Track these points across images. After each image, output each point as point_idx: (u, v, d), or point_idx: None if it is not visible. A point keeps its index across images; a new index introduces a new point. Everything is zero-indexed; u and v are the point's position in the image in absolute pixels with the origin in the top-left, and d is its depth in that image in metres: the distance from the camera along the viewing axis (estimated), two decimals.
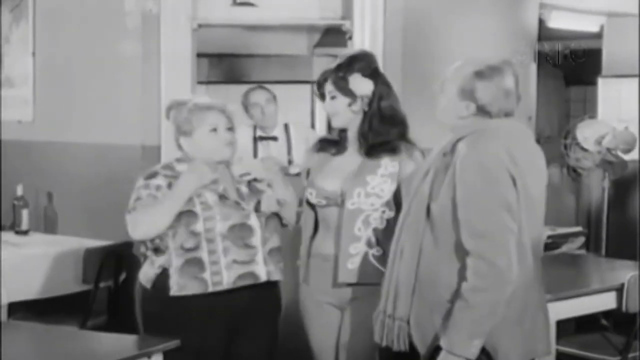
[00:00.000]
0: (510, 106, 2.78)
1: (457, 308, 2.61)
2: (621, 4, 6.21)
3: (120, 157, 4.99)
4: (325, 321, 3.24)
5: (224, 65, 7.36)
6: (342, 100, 3.18)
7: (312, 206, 3.26)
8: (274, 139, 5.26)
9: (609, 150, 5.83)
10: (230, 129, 3.18)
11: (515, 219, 2.62)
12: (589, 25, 6.60)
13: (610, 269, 4.80)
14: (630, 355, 4.15)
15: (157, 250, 3.15)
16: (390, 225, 3.11)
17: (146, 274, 3.18)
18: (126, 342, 3.00)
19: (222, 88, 6.91)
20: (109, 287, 4.66)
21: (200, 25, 5.00)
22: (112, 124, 5.05)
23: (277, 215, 3.25)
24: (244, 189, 3.22)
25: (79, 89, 5.21)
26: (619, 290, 4.11)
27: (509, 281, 2.60)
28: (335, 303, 3.20)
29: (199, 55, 5.18)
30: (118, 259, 4.63)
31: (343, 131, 3.25)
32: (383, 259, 3.05)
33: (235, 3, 5.04)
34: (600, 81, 6.53)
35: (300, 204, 3.30)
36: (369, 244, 3.14)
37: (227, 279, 3.09)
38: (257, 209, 3.19)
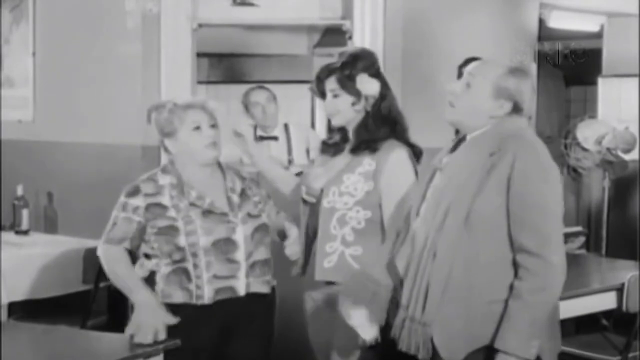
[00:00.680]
0: (534, 107, 2.78)
1: (515, 309, 2.58)
2: (621, 4, 6.21)
3: (120, 157, 5.00)
4: (319, 319, 3.24)
5: (224, 65, 7.36)
6: (346, 99, 3.15)
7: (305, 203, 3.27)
8: (275, 138, 5.26)
9: (609, 150, 5.83)
10: (214, 126, 3.11)
11: None
12: (589, 25, 6.60)
13: (610, 268, 4.81)
14: (631, 355, 4.15)
15: (147, 255, 3.14)
16: (371, 225, 3.11)
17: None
18: (126, 341, 2.99)
19: (222, 88, 6.92)
20: (109, 287, 4.65)
21: (200, 25, 5.00)
22: (113, 124, 5.05)
23: (266, 226, 3.18)
24: (236, 198, 3.14)
25: (79, 89, 5.21)
26: (619, 290, 4.11)
27: (562, 280, 2.61)
28: (327, 302, 3.18)
29: (199, 55, 5.18)
30: None
31: (343, 130, 3.23)
32: (361, 258, 3.07)
33: (235, 3, 5.04)
34: (601, 81, 6.53)
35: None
36: (344, 243, 3.13)
37: (207, 293, 3.04)
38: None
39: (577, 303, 3.97)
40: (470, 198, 2.63)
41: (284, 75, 6.73)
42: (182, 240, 3.03)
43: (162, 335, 2.91)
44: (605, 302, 4.13)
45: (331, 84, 3.16)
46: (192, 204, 3.07)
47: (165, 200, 3.08)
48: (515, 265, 2.63)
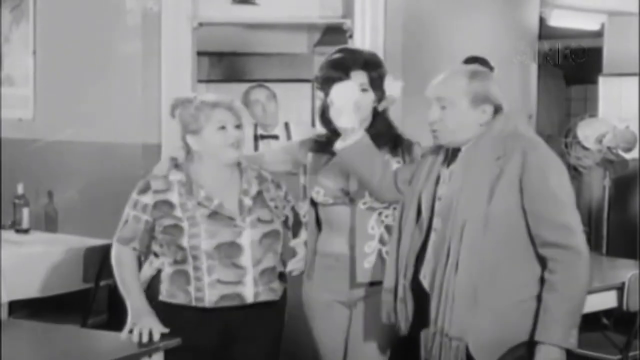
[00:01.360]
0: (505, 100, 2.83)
1: (552, 301, 2.61)
2: (622, 3, 6.21)
3: (120, 155, 4.99)
4: (334, 320, 3.21)
5: (224, 63, 7.36)
6: (371, 97, 3.12)
7: (313, 204, 3.23)
8: (275, 137, 5.26)
9: (609, 149, 5.83)
10: (239, 126, 3.09)
11: None
12: (590, 23, 6.60)
13: (611, 267, 4.80)
14: (631, 353, 4.16)
15: (156, 254, 3.14)
16: None
17: (144, 274, 3.18)
18: (127, 340, 2.99)
19: (223, 87, 6.91)
20: (110, 285, 4.66)
21: (200, 24, 4.99)
22: (113, 123, 5.05)
23: (277, 232, 3.14)
24: (248, 201, 3.10)
25: (80, 87, 5.20)
26: (620, 289, 4.12)
27: (589, 266, 2.66)
28: (345, 301, 3.18)
29: (200, 53, 5.18)
30: None
31: (336, 131, 3.18)
32: None
33: (235, 1, 5.04)
34: (601, 80, 6.53)
35: None
36: (381, 242, 3.13)
37: (208, 297, 3.02)
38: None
39: None
40: (484, 206, 2.66)
41: (284, 74, 6.73)
42: (184, 242, 3.02)
43: (157, 336, 2.92)
44: (606, 301, 4.14)
45: (361, 77, 3.10)
46: (199, 204, 3.04)
47: (174, 197, 3.06)
48: (541, 259, 2.67)
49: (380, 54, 4.71)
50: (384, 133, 3.14)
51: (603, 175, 6.01)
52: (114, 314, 4.63)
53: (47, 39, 5.38)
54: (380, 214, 3.12)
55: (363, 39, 4.86)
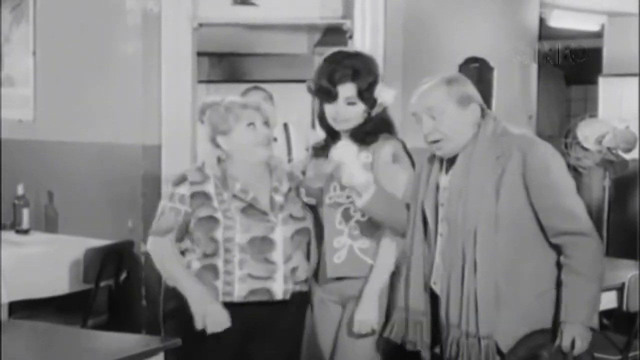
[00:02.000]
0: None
1: (574, 283, 2.67)
2: (622, 4, 6.22)
3: (120, 156, 4.99)
4: (327, 318, 3.22)
5: (224, 64, 7.36)
6: (360, 107, 3.09)
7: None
8: (274, 139, 5.25)
9: (609, 149, 5.83)
10: (267, 123, 3.13)
11: None
12: (590, 24, 6.61)
13: (610, 268, 4.77)
14: (631, 354, 4.15)
15: (182, 252, 3.15)
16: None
17: None
18: (127, 341, 2.99)
19: (223, 87, 6.90)
20: (110, 286, 4.66)
21: (200, 24, 5.00)
22: (113, 123, 5.05)
23: (307, 230, 3.16)
24: (279, 197, 3.12)
25: (80, 88, 5.21)
26: (620, 289, 4.11)
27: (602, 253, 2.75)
28: (338, 300, 3.19)
29: (200, 54, 5.18)
30: (119, 258, 4.63)
31: (333, 132, 3.18)
32: (369, 251, 3.08)
33: (235, 2, 5.04)
34: (601, 80, 6.54)
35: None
36: (351, 237, 3.12)
37: (238, 292, 3.04)
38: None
39: None
40: (493, 206, 2.70)
41: (284, 75, 6.73)
42: (219, 234, 3.03)
43: (227, 323, 2.99)
44: (606, 301, 4.12)
45: (348, 91, 3.07)
46: (234, 196, 3.07)
47: (210, 188, 3.09)
48: (556, 248, 2.73)
49: (380, 54, 4.74)
50: (362, 132, 3.11)
51: (603, 175, 6.01)
52: (114, 315, 4.64)
53: (47, 40, 5.38)
54: (347, 209, 3.12)
55: (363, 40, 4.86)
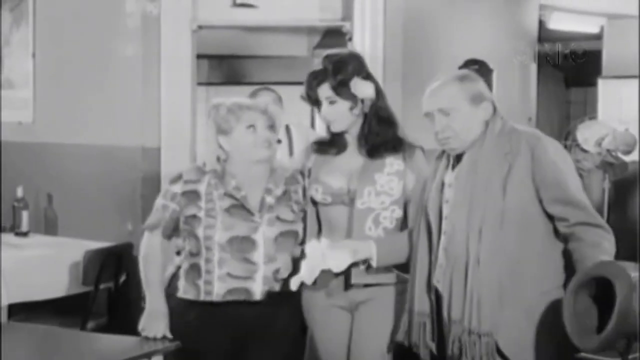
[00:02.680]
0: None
1: (588, 251, 2.66)
2: (621, 6, 6.22)
3: (120, 158, 4.99)
4: (335, 325, 3.16)
5: (224, 66, 7.35)
6: (343, 105, 3.10)
7: (314, 204, 3.20)
8: (278, 141, 5.25)
9: (609, 151, 5.83)
10: (272, 127, 3.14)
11: None
12: (589, 26, 6.61)
13: None
14: (631, 356, 4.14)
15: (177, 252, 3.18)
16: (399, 225, 3.10)
17: (167, 272, 3.20)
18: (126, 343, 2.99)
19: (223, 89, 6.90)
20: (109, 288, 4.66)
21: (200, 27, 5.00)
22: (112, 126, 5.05)
23: (295, 233, 3.15)
24: (270, 199, 3.12)
25: (79, 90, 5.21)
26: None
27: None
28: (346, 306, 3.15)
29: (199, 56, 5.18)
30: (118, 261, 4.62)
31: (338, 133, 3.18)
32: None
33: (235, 4, 5.04)
34: (601, 82, 6.54)
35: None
36: None
37: (217, 290, 3.04)
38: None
39: None
40: (499, 203, 2.69)
41: (283, 77, 6.71)
42: (200, 232, 3.06)
43: (167, 336, 3.00)
44: None
45: (325, 91, 3.11)
46: (226, 194, 3.08)
47: (201, 188, 3.11)
48: (565, 241, 2.72)
49: (380, 57, 4.75)
50: (381, 136, 3.13)
51: (602, 177, 6.02)
52: (113, 317, 4.63)
53: (46, 42, 5.38)
54: (378, 215, 3.11)
55: (363, 42, 4.86)
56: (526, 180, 2.69)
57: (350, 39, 4.94)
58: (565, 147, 5.88)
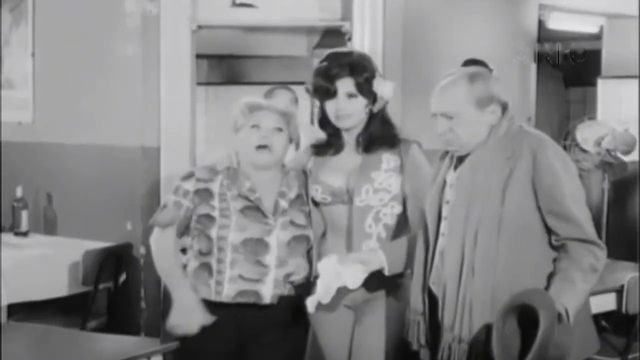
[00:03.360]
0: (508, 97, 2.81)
1: (581, 279, 2.60)
2: (621, 5, 6.22)
3: (120, 158, 4.99)
4: (338, 324, 3.17)
5: (223, 66, 7.35)
6: (361, 102, 3.09)
7: (315, 205, 3.20)
8: (290, 141, 5.23)
9: (608, 151, 5.83)
10: (280, 129, 3.10)
11: None
12: (589, 26, 6.61)
13: (610, 270, 4.75)
14: (630, 356, 4.15)
15: (183, 250, 3.16)
16: (399, 221, 3.10)
17: None
18: (126, 343, 3.00)
19: (222, 89, 6.91)
20: (109, 288, 4.67)
21: (200, 27, 5.00)
22: (112, 125, 5.05)
23: (308, 238, 3.12)
24: (284, 203, 3.10)
25: (79, 90, 5.21)
26: (619, 291, 4.11)
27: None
28: (350, 304, 3.15)
29: (199, 56, 5.18)
30: (118, 260, 4.63)
31: (335, 132, 3.18)
32: None
33: (234, 4, 5.04)
34: (600, 82, 6.53)
35: None
36: (380, 241, 3.09)
37: (227, 292, 3.02)
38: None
39: None
40: (497, 208, 2.63)
41: (283, 77, 6.71)
42: (213, 232, 3.03)
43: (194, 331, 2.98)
44: (605, 303, 4.13)
45: (347, 85, 3.09)
46: (240, 195, 3.06)
47: (214, 187, 3.08)
48: (556, 249, 2.66)
49: (379, 56, 4.74)
50: (379, 134, 3.13)
51: (602, 177, 6.01)
52: (113, 317, 4.64)
53: (46, 42, 5.38)
54: (378, 212, 3.11)
55: (362, 42, 4.86)
56: (526, 187, 2.62)
57: (349, 39, 4.94)
58: (565, 147, 5.89)
